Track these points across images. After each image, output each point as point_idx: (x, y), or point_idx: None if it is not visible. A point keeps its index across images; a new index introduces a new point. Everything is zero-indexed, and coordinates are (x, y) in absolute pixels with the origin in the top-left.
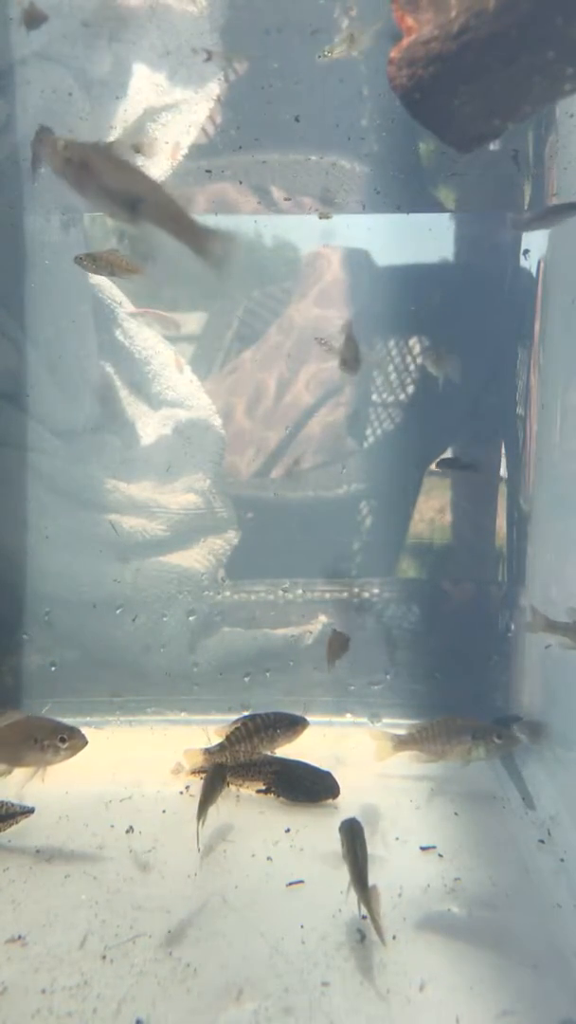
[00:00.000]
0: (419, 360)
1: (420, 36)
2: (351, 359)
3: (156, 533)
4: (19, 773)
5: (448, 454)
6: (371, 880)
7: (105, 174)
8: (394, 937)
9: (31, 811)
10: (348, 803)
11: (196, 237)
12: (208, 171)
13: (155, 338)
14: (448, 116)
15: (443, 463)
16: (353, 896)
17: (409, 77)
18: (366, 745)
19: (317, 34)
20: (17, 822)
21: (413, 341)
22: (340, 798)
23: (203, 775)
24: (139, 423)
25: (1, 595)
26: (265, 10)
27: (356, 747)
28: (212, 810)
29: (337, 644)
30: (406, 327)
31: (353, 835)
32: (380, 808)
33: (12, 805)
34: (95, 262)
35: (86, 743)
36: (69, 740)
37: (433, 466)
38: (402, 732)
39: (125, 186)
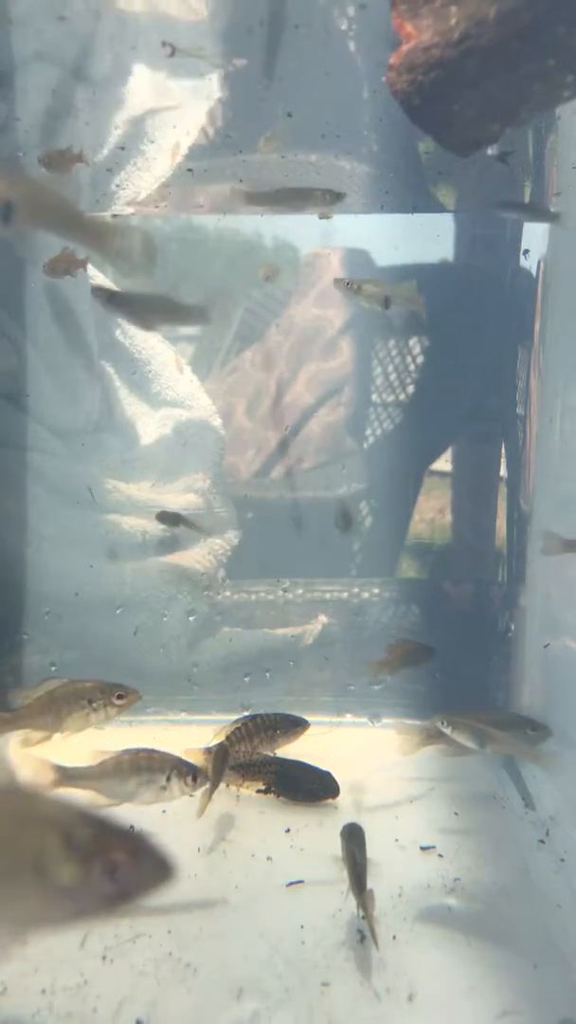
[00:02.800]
0: (419, 360)
1: (420, 43)
2: (343, 526)
3: (156, 533)
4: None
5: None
6: (369, 882)
7: None
8: (394, 937)
9: None
10: (348, 803)
11: (89, 234)
12: (190, 170)
13: (155, 338)
14: (447, 121)
15: (160, 516)
16: (352, 897)
17: (409, 83)
18: (366, 745)
19: (299, 28)
20: None
21: (413, 341)
22: (340, 798)
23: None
24: (139, 423)
25: (1, 595)
26: (264, 9)
27: (356, 747)
28: (213, 808)
29: (404, 652)
30: (406, 327)
31: (353, 839)
32: (380, 808)
33: None
34: (53, 267)
35: (140, 697)
36: (126, 696)
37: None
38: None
39: None
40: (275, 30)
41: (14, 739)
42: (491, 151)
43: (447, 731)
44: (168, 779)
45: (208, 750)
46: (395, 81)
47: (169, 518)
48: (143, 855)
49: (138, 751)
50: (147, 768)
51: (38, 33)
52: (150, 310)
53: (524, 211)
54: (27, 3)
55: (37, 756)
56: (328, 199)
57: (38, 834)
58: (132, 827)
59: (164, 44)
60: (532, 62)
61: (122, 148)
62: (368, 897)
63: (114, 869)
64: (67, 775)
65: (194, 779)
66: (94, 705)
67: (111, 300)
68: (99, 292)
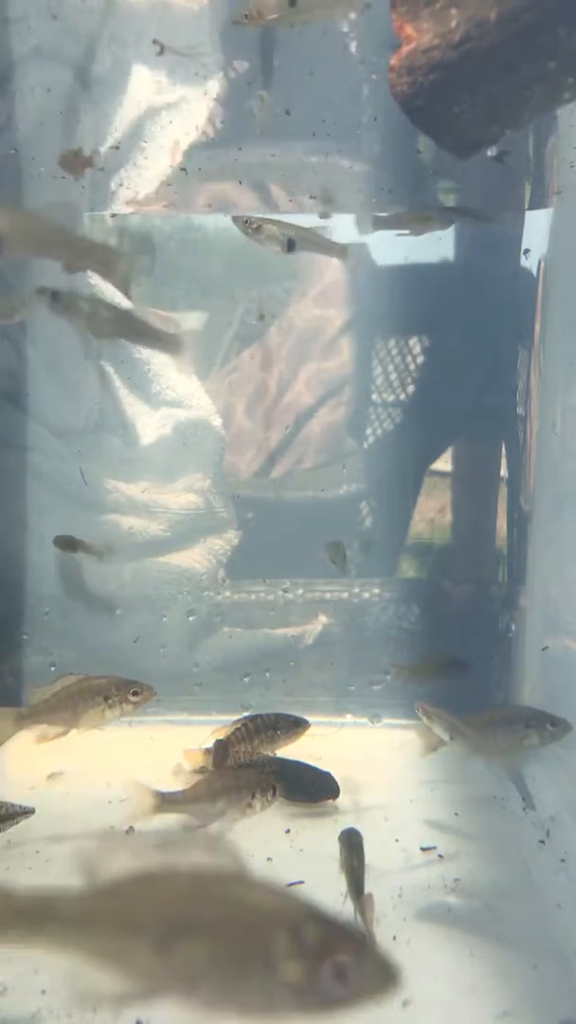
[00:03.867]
0: (419, 360)
1: (420, 44)
2: (340, 563)
3: (156, 533)
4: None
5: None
6: (369, 883)
7: None
8: (394, 937)
9: (31, 811)
10: (348, 803)
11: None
12: (184, 169)
13: None
14: (447, 122)
15: (56, 540)
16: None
17: (410, 84)
18: (366, 745)
19: (296, 26)
20: (17, 822)
21: (413, 341)
22: (340, 798)
23: (204, 775)
24: (139, 423)
25: (1, 595)
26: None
27: (356, 747)
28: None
29: (439, 664)
30: (406, 327)
31: (351, 845)
32: (380, 808)
33: (12, 805)
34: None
35: (155, 694)
36: (141, 693)
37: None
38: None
39: None
40: (272, 27)
41: (30, 735)
42: (489, 151)
43: (423, 719)
44: (253, 796)
45: (208, 750)
46: (395, 83)
47: (63, 542)
48: (370, 959)
49: (223, 771)
50: (235, 787)
51: (35, 31)
52: (105, 320)
53: (463, 215)
54: (24, 0)
55: (136, 782)
56: (440, 223)
57: (268, 927)
58: (132, 828)
59: (155, 42)
60: (533, 64)
61: (116, 147)
62: (366, 901)
63: (343, 971)
64: (165, 800)
65: (274, 794)
66: (110, 701)
67: (57, 301)
68: (44, 291)
